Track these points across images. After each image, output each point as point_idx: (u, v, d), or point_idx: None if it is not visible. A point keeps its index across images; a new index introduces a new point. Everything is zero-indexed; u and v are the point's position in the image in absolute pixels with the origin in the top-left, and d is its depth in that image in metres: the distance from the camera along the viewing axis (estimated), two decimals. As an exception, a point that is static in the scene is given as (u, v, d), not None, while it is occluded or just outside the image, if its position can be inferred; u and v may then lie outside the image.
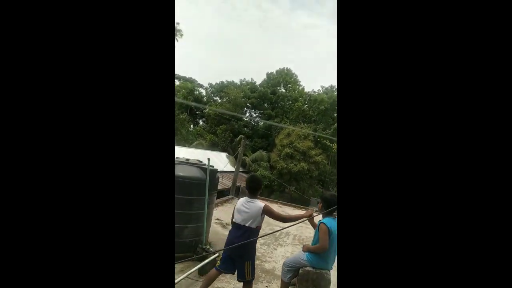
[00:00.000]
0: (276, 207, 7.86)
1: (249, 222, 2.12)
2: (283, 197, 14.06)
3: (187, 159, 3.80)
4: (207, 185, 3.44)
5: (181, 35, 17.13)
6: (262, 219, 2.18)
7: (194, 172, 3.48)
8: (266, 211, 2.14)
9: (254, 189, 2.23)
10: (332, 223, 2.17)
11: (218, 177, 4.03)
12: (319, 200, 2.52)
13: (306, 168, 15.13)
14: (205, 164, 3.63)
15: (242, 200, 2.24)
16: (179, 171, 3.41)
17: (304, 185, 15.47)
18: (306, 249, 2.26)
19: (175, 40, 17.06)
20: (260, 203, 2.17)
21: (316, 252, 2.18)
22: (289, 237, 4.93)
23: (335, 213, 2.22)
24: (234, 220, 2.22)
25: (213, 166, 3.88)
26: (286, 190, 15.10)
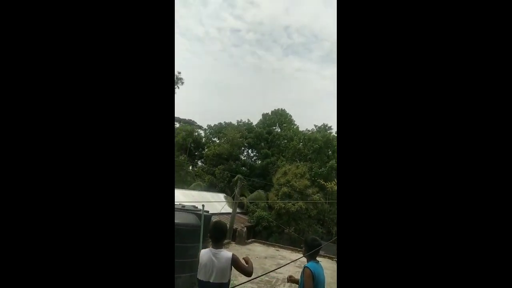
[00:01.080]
0: (272, 251, 7.67)
1: (220, 277, 1.85)
2: (282, 239, 13.59)
3: (183, 205, 3.97)
4: (201, 232, 3.55)
5: (182, 83, 18.56)
6: (231, 270, 1.94)
7: (189, 219, 3.63)
8: (234, 262, 1.91)
9: (218, 238, 2.00)
10: (315, 267, 2.27)
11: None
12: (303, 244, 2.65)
13: (304, 207, 14.96)
14: (200, 210, 3.79)
15: (207, 252, 1.96)
16: (174, 218, 3.57)
17: (303, 225, 15.10)
18: None
19: (176, 88, 18.39)
20: (228, 253, 1.94)
21: None
22: (285, 285, 4.83)
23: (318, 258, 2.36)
24: (201, 278, 1.89)
25: (208, 212, 4.03)
26: (285, 231, 14.66)
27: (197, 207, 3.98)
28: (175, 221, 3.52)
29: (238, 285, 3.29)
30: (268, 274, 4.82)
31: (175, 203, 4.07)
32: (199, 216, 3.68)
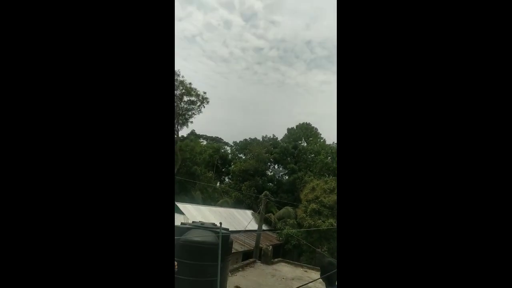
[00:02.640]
0: (301, 272, 7.22)
1: None
2: (314, 259, 12.82)
3: (202, 223, 3.96)
4: (219, 250, 3.49)
5: (208, 102, 19.44)
6: None
7: (208, 237, 3.60)
8: None
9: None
10: None
11: (232, 241, 4.06)
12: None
13: (335, 224, 14.10)
14: (218, 227, 3.73)
15: None
16: (193, 235, 3.56)
17: (336, 244, 14.15)
18: None
19: (202, 107, 19.32)
20: None
21: None
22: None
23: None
24: None
25: (227, 229, 3.96)
26: (317, 250, 13.86)
27: (216, 225, 3.94)
28: (193, 238, 3.51)
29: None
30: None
31: (195, 221, 4.07)
32: (217, 234, 3.63)
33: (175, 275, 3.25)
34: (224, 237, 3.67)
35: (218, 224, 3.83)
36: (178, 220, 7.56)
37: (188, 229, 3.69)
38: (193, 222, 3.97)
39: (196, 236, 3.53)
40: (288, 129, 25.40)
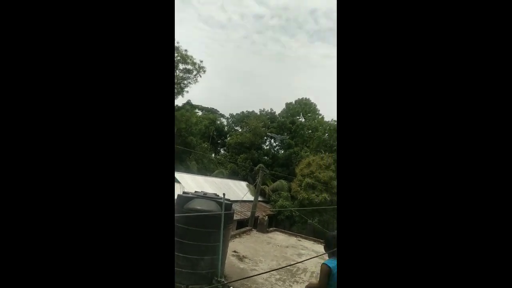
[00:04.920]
0: (294, 240, 7.64)
1: None
2: (305, 230, 13.53)
3: (205, 193, 4.04)
4: (222, 219, 3.60)
5: (204, 71, 18.71)
6: None
7: (210, 206, 3.69)
8: None
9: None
10: (334, 264, 2.19)
11: (234, 210, 4.19)
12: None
13: (329, 199, 14.65)
14: (221, 198, 3.83)
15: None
16: (197, 204, 3.64)
17: (328, 217, 14.84)
18: None
19: (199, 76, 18.64)
20: None
21: None
22: (306, 274, 4.78)
23: None
24: None
25: (229, 200, 4.07)
26: (308, 222, 14.56)
27: (218, 195, 4.03)
28: (197, 207, 3.60)
29: (263, 273, 3.29)
30: (289, 263, 4.80)
31: (197, 191, 4.14)
32: (220, 204, 3.72)
33: (180, 240, 3.42)
34: (227, 206, 3.77)
35: (221, 195, 3.92)
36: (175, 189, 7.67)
37: (191, 198, 3.76)
38: (195, 192, 4.04)
39: (199, 205, 3.62)
40: (287, 104, 25.08)
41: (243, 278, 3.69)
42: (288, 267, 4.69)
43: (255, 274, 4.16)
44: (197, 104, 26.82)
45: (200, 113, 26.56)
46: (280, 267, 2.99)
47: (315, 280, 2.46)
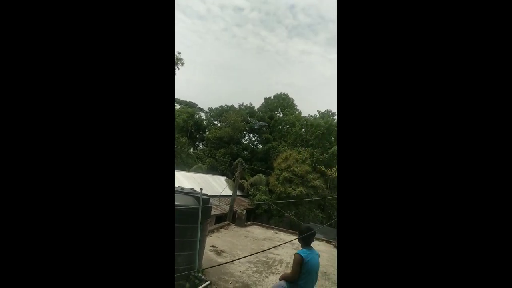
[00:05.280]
0: (271, 233, 7.85)
1: None
2: (282, 222, 13.90)
3: (182, 188, 3.99)
4: (199, 213, 3.60)
5: (182, 63, 18.14)
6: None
7: (187, 201, 3.66)
8: None
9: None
10: (307, 254, 2.30)
11: (211, 205, 4.20)
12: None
13: (305, 192, 15.15)
14: (198, 193, 3.82)
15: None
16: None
17: (304, 210, 15.37)
18: (280, 277, 2.43)
19: (176, 68, 18.02)
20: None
21: (287, 280, 2.32)
22: (282, 265, 4.96)
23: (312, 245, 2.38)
24: None
25: (207, 194, 4.07)
26: (285, 215, 14.96)
27: (195, 190, 4.00)
28: (175, 202, 3.55)
29: (238, 259, 3.35)
30: (265, 255, 4.94)
31: (175, 186, 4.08)
32: (197, 198, 3.71)
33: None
34: (204, 200, 3.77)
35: (198, 190, 3.90)
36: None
37: (168, 193, 3.71)
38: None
39: (176, 200, 3.58)
40: (266, 99, 25.24)
41: (214, 266, 3.74)
42: (265, 259, 4.82)
43: (226, 262, 4.24)
44: (175, 97, 25.95)
45: (178, 106, 25.80)
46: (249, 254, 3.07)
47: (289, 271, 2.59)
